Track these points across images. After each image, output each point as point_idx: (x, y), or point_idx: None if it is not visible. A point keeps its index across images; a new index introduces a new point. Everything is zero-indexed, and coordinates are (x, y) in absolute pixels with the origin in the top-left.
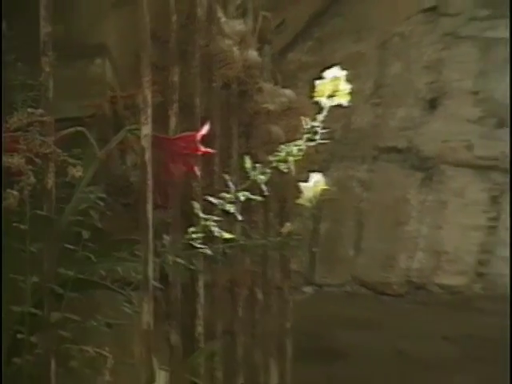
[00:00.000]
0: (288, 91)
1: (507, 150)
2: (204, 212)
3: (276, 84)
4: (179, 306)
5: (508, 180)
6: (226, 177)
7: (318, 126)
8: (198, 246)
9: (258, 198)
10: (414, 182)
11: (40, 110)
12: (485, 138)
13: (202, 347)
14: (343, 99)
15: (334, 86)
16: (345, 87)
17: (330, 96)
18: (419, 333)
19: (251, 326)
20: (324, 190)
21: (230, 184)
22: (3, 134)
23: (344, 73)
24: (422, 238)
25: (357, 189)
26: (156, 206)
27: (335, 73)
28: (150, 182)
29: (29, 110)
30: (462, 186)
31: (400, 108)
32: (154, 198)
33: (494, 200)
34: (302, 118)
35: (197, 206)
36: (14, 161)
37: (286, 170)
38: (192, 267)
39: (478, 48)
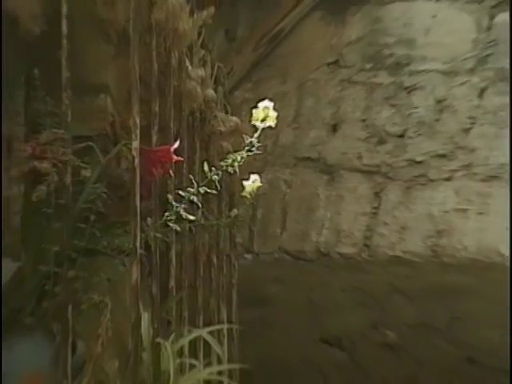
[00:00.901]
0: (235, 118)
1: (387, 160)
2: (175, 201)
3: (226, 113)
4: (158, 267)
5: (386, 180)
6: (191, 177)
7: (254, 142)
8: (171, 225)
9: (214, 191)
10: (322, 182)
11: (61, 131)
12: (369, 152)
13: (174, 296)
14: (272, 123)
15: (265, 113)
16: (273, 114)
17: (263, 120)
18: (324, 286)
19: (208, 281)
20: (259, 186)
21: (194, 182)
22: (32, 146)
23: (272, 104)
24: (327, 220)
25: (282, 186)
26: (142, 198)
27: (266, 104)
28: (137, 181)
29: (54, 130)
30: (355, 185)
31: (312, 130)
32: (140, 192)
33: (376, 195)
34: (244, 136)
35: (170, 197)
36: (43, 165)
37: (232, 172)
38: (167, 240)
39: (365, 90)
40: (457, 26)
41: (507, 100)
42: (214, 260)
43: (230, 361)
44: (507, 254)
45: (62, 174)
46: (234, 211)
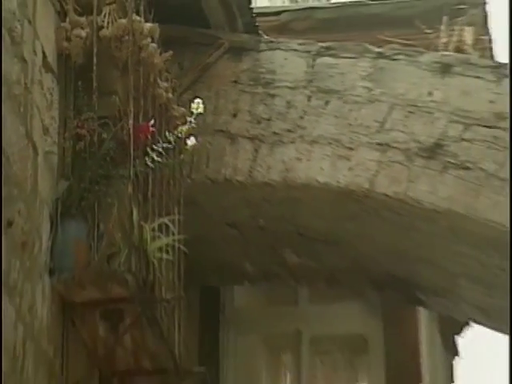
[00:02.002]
0: (182, 109)
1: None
2: (151, 151)
3: (178, 106)
4: (142, 186)
5: None
6: (158, 138)
7: (192, 120)
8: (149, 164)
9: (170, 146)
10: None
11: (92, 113)
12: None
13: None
14: (201, 110)
15: (197, 106)
16: (201, 106)
17: (196, 109)
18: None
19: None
20: (195, 144)
21: (160, 141)
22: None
23: (201, 101)
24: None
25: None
26: (134, 149)
27: (198, 100)
28: (131, 141)
29: (88, 113)
30: None
31: (221, 116)
32: (133, 145)
33: None
34: (187, 118)
35: (148, 149)
36: (82, 131)
37: (181, 136)
38: (147, 171)
39: None
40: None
41: None
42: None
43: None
44: None
45: (92, 136)
46: (181, 156)
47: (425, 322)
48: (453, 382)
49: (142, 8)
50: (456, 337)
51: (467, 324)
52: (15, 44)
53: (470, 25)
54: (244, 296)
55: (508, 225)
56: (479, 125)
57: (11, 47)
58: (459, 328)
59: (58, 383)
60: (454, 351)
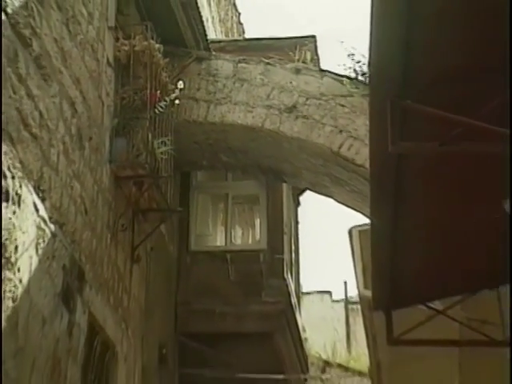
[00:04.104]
0: (173, 86)
1: None
2: (156, 107)
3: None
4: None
5: None
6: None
7: (177, 92)
8: (157, 111)
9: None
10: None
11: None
12: None
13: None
14: (181, 87)
15: (180, 85)
16: (182, 85)
17: (180, 86)
18: None
19: None
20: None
21: (163, 102)
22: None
23: (182, 82)
24: None
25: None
26: (150, 105)
27: (180, 82)
28: (149, 102)
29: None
30: None
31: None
32: (150, 104)
33: None
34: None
35: (156, 106)
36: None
37: (173, 99)
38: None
39: None
40: None
41: None
42: None
43: None
44: None
45: (130, 97)
46: (172, 109)
47: (286, 190)
48: (298, 222)
49: (154, 36)
50: (299, 196)
51: (305, 189)
52: (94, 52)
53: (308, 50)
54: (202, 176)
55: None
56: (313, 98)
57: (93, 54)
58: (301, 191)
59: (111, 213)
60: (297, 203)
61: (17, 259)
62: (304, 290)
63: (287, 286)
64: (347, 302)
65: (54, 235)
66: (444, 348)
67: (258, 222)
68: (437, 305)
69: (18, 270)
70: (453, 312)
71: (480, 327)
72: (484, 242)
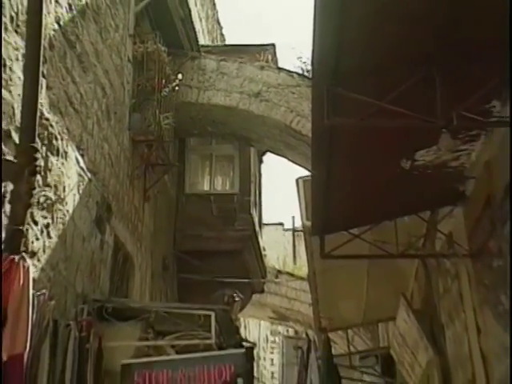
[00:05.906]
0: (174, 77)
1: None
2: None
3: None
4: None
5: None
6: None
7: (177, 82)
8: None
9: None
10: None
11: None
12: None
13: None
14: (180, 78)
15: (179, 76)
16: (180, 76)
17: (179, 77)
18: None
19: None
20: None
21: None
22: None
23: (180, 74)
24: None
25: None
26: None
27: (180, 74)
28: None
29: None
30: None
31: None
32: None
33: None
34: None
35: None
36: (140, 83)
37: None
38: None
39: None
40: None
41: None
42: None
43: None
44: None
45: (143, 84)
46: (173, 93)
47: (253, 152)
48: (261, 174)
49: (161, 41)
50: (262, 156)
51: (266, 151)
52: (119, 52)
53: (270, 53)
54: (193, 141)
55: None
56: (272, 87)
57: (118, 53)
58: (263, 153)
59: (129, 166)
60: (261, 161)
61: (65, 196)
62: (264, 221)
63: (252, 218)
64: (294, 230)
65: (90, 180)
66: (358, 260)
67: (232, 173)
68: (355, 231)
69: (66, 204)
70: (365, 236)
71: (382, 246)
72: (388, 189)
